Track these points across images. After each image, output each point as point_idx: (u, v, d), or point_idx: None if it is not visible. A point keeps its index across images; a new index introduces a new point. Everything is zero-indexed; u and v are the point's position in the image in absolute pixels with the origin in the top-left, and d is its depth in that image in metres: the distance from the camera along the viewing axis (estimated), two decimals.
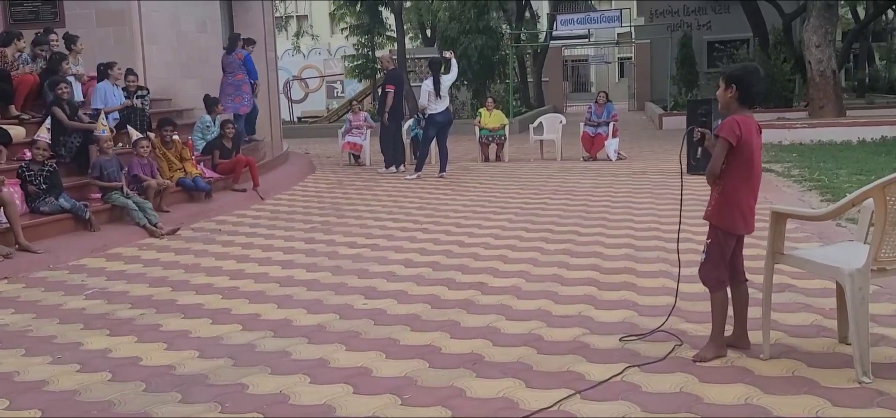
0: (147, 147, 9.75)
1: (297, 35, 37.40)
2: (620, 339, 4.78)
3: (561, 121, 16.38)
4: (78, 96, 11.04)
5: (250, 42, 15.01)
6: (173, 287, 6.58)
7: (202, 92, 13.64)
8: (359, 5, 29.58)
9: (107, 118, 10.35)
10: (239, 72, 14.24)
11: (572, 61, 52.65)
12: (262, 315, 5.64)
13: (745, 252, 4.61)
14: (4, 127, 9.26)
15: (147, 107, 11.56)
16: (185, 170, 10.57)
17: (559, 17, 27.59)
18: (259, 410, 3.93)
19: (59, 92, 9.69)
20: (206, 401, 4.05)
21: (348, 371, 4.43)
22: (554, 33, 29.62)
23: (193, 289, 6.49)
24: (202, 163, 11.42)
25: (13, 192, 7.90)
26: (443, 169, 13.51)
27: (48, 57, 10.93)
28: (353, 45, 30.94)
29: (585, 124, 15.57)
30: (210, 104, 12.59)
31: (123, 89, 11.41)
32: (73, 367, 4.64)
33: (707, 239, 4.40)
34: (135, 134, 9.78)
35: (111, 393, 4.22)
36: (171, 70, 14.82)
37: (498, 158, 15.81)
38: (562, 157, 15.54)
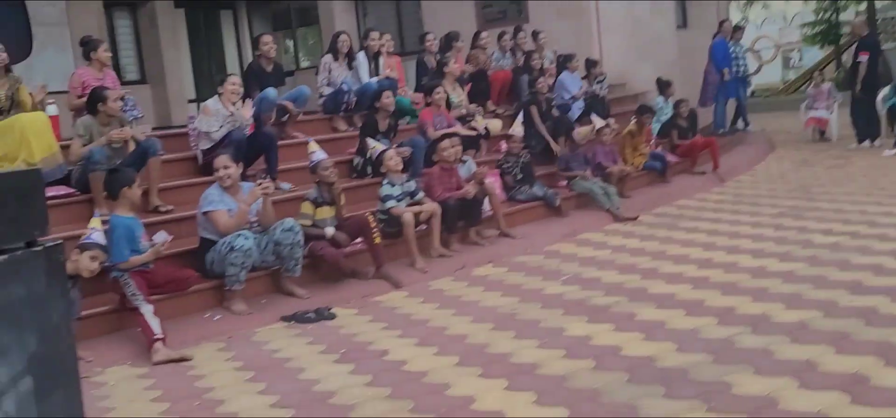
0: (609, 134, 10.04)
1: (748, 3, 35.84)
2: None
3: None
4: None
5: (737, 28, 14.74)
6: (642, 274, 6.67)
7: (655, 74, 13.68)
8: None
9: (572, 107, 10.90)
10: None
11: None
12: (737, 308, 5.45)
13: None
14: (484, 121, 10.18)
15: (605, 94, 11.90)
16: (644, 155, 10.72)
17: None
18: (747, 413, 3.79)
19: (538, 87, 10.40)
20: (690, 398, 4.02)
21: (841, 377, 4.08)
22: None
23: (663, 277, 6.51)
24: (660, 147, 11.47)
25: (495, 183, 8.67)
26: None
27: (524, 54, 11.75)
28: (813, 10, 28.75)
29: None
30: (663, 86, 12.57)
31: (584, 78, 11.89)
32: (559, 353, 4.91)
33: None
34: (599, 122, 10.13)
35: (597, 381, 4.38)
36: (625, 55, 15.08)
37: None
38: None
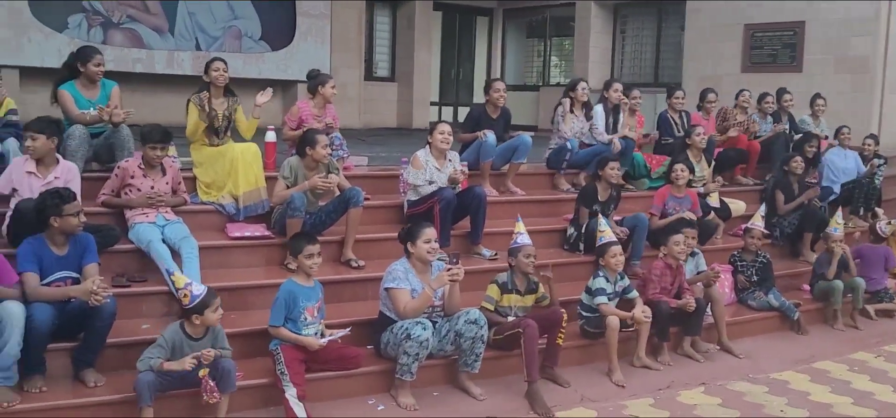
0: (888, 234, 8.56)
1: None
2: None
3: None
4: None
5: None
6: None
7: None
8: None
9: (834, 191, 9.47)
10: None
11: None
12: None
13: None
14: (726, 200, 9.03)
15: (879, 181, 10.15)
16: None
17: None
18: None
19: (792, 166, 9.06)
20: None
21: None
22: None
23: None
24: None
25: (723, 285, 7.58)
26: None
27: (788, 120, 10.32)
28: None
29: None
30: None
31: (861, 154, 10.28)
32: None
33: None
34: (859, 225, 8.63)
35: None
36: None
37: None
38: None
